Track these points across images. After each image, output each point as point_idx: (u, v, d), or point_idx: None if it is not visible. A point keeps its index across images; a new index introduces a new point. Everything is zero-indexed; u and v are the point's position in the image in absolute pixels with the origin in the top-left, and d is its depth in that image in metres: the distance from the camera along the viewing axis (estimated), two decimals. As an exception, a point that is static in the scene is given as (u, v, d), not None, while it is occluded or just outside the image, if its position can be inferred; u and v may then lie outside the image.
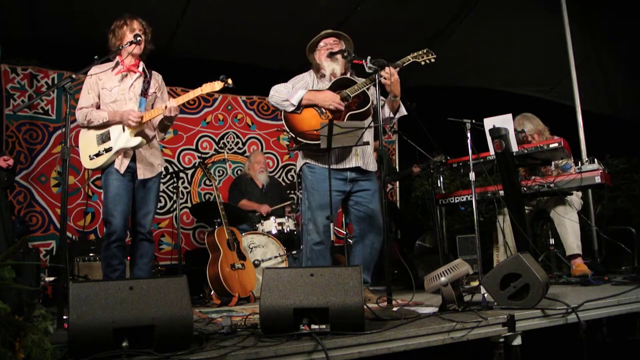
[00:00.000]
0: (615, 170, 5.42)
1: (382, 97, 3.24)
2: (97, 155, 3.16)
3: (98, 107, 3.25)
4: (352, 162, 3.20)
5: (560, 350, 2.64)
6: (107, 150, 3.14)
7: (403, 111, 3.28)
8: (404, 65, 3.13)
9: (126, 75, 3.24)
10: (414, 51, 3.22)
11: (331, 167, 3.14)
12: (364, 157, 3.25)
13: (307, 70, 3.41)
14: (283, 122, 3.22)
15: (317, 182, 3.18)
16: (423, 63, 3.18)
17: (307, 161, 3.24)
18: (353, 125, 3.02)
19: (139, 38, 3.15)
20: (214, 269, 3.73)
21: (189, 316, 1.79)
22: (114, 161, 3.16)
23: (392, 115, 3.22)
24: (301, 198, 3.49)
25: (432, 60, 3.17)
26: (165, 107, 3.07)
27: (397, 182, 6.88)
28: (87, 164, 3.20)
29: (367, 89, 3.17)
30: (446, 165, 4.28)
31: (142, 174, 3.23)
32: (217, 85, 3.03)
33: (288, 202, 5.08)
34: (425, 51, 3.19)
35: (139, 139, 3.15)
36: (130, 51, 3.19)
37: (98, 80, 3.22)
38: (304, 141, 3.10)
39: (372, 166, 3.30)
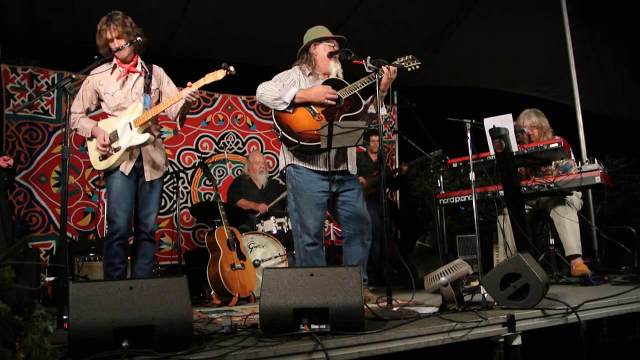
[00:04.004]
0: (615, 170, 5.42)
1: (364, 100, 3.27)
2: (106, 156, 3.17)
3: (88, 112, 3.29)
4: (341, 166, 3.20)
5: (560, 350, 2.64)
6: (116, 149, 3.15)
7: (383, 110, 3.27)
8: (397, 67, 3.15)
9: (126, 78, 3.23)
10: (413, 52, 3.23)
11: (321, 169, 3.13)
12: (352, 161, 3.26)
13: None
14: (274, 121, 3.13)
15: (304, 183, 3.15)
16: (409, 69, 3.19)
17: (294, 162, 3.19)
18: (353, 126, 3.01)
19: (138, 38, 3.12)
20: (214, 269, 3.73)
21: (189, 316, 1.79)
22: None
23: (373, 111, 3.23)
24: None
25: (417, 67, 3.19)
26: (187, 95, 3.07)
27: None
28: (98, 165, 3.21)
29: (359, 91, 3.16)
30: (446, 165, 4.29)
31: (149, 176, 3.23)
32: (220, 74, 3.00)
33: (284, 194, 5.05)
34: (410, 57, 3.20)
35: (146, 136, 3.13)
36: (122, 57, 3.20)
37: (99, 85, 3.22)
38: (300, 142, 3.04)
39: (355, 170, 3.32)
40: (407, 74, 3.12)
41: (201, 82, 3.06)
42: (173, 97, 3.17)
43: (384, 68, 3.05)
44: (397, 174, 5.52)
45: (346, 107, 3.15)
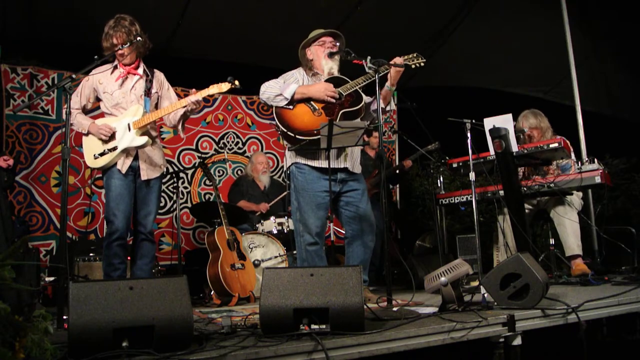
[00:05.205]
0: (615, 170, 5.42)
1: (368, 97, 3.28)
2: (102, 154, 3.17)
3: (85, 111, 3.29)
4: (341, 163, 3.20)
5: (560, 350, 2.64)
6: (112, 149, 3.15)
7: (392, 105, 3.28)
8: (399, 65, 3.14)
9: (126, 79, 3.24)
10: (413, 51, 3.24)
11: (322, 166, 3.13)
12: (352, 159, 3.25)
13: None
14: (275, 118, 3.15)
15: (306, 182, 3.15)
16: (413, 66, 3.20)
17: (297, 160, 3.20)
18: (353, 126, 3.02)
19: (138, 38, 3.13)
20: (214, 269, 3.73)
21: (189, 316, 1.79)
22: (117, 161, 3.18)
23: (382, 106, 3.22)
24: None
25: (422, 64, 3.19)
26: (189, 102, 3.10)
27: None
28: (92, 163, 3.21)
29: (360, 89, 3.17)
30: (446, 165, 4.29)
31: (145, 174, 3.24)
32: (225, 86, 3.04)
33: (285, 193, 5.06)
34: (415, 55, 3.21)
35: (144, 139, 3.15)
36: (126, 62, 3.22)
37: (99, 83, 3.23)
38: (300, 137, 3.06)
39: (357, 169, 3.31)
40: (408, 74, 3.13)
41: (205, 92, 3.10)
42: (175, 103, 3.19)
43: (392, 62, 3.06)
44: (398, 171, 5.51)
45: (346, 102, 3.17)
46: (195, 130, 6.00)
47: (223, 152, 6.03)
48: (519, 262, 2.38)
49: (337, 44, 3.30)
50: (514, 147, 3.68)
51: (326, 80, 3.22)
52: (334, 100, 3.11)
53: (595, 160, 3.76)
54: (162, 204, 5.61)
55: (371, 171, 5.21)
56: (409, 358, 2.02)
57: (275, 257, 4.32)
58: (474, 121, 3.57)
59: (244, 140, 6.29)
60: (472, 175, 3.53)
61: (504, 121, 3.67)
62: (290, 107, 3.13)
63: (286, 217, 4.66)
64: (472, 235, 4.00)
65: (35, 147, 5.16)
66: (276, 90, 3.14)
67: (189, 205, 5.77)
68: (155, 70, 3.37)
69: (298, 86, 3.14)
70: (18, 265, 2.06)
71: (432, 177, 4.88)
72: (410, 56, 3.20)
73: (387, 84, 3.15)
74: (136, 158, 3.22)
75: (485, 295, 2.47)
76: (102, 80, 3.23)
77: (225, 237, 3.90)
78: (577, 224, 3.83)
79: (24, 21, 4.92)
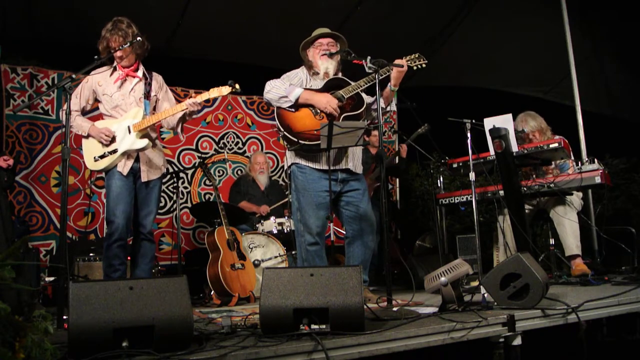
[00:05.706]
0: (615, 170, 5.42)
1: (369, 97, 3.28)
2: (102, 157, 3.18)
3: (84, 112, 3.29)
4: (342, 164, 3.20)
5: (560, 350, 2.64)
6: (113, 152, 3.16)
7: (393, 105, 3.28)
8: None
9: (125, 81, 3.25)
10: (413, 52, 3.23)
11: (323, 168, 3.14)
12: (354, 160, 3.26)
13: None
14: (275, 118, 3.15)
15: (307, 182, 3.16)
16: (415, 68, 3.20)
17: (297, 161, 3.20)
18: (353, 126, 3.02)
19: (138, 38, 3.13)
20: (214, 269, 3.73)
21: (189, 316, 1.79)
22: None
23: (383, 106, 3.21)
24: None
25: (424, 65, 3.19)
26: (189, 104, 3.11)
27: (397, 181, 6.87)
28: (92, 165, 3.22)
29: (362, 90, 3.17)
30: (446, 165, 4.29)
31: (146, 176, 3.25)
32: (225, 90, 3.06)
33: (286, 200, 5.06)
34: (417, 55, 3.21)
35: (145, 141, 3.17)
36: (124, 64, 3.22)
37: (98, 85, 3.23)
38: (301, 141, 3.06)
39: (359, 169, 3.31)
40: (408, 74, 3.13)
41: (205, 95, 3.12)
42: (175, 106, 3.20)
43: (398, 61, 3.07)
44: (397, 157, 5.50)
45: (348, 106, 3.17)
46: (195, 130, 6.00)
47: (223, 152, 6.03)
48: (519, 262, 2.38)
49: (337, 44, 3.30)
50: (514, 147, 3.69)
51: (328, 82, 3.22)
52: (335, 114, 3.10)
53: (595, 160, 3.76)
54: (162, 204, 5.61)
55: (371, 165, 5.20)
56: (409, 358, 2.03)
57: (275, 257, 4.32)
58: (474, 121, 3.57)
59: (244, 140, 6.29)
60: (472, 175, 3.54)
61: (504, 121, 3.67)
62: (293, 109, 3.14)
63: (286, 217, 4.66)
64: (472, 235, 4.00)
65: (35, 147, 5.16)
66: (282, 91, 3.13)
67: (189, 205, 5.77)
68: (154, 73, 3.38)
69: (303, 91, 3.13)
70: (18, 265, 2.06)
71: (432, 177, 4.89)
72: (412, 57, 3.20)
73: (390, 84, 3.14)
74: (137, 160, 3.23)
75: (485, 295, 2.47)
76: (101, 82, 3.24)
77: (225, 237, 3.90)
78: (576, 224, 3.82)
79: (24, 21, 4.92)
